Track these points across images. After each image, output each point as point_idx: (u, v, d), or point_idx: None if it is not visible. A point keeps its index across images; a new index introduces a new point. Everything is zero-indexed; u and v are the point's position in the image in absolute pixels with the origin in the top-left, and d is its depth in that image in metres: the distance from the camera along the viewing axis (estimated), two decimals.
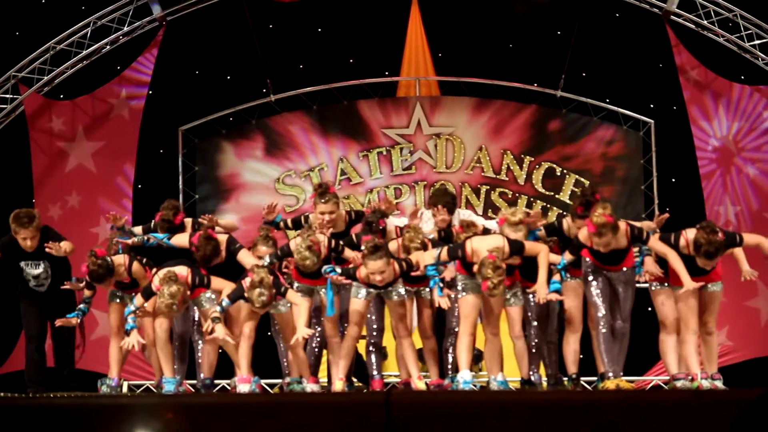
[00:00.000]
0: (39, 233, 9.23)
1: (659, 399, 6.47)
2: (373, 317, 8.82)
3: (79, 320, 8.92)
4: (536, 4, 13.51)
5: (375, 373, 8.90)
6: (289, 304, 8.33)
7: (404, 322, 8.54)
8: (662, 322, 8.46)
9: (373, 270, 8.19)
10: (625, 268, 8.42)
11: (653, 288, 8.51)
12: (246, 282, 8.16)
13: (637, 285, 8.60)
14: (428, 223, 9.39)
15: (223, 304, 8.15)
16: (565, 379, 8.85)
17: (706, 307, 8.43)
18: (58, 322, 8.95)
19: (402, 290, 8.49)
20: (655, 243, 8.29)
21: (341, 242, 8.73)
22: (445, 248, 8.29)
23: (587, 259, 8.36)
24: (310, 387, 8.39)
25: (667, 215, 8.81)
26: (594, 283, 8.38)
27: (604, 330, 8.36)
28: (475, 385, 8.35)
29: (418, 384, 8.45)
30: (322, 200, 8.90)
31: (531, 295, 8.73)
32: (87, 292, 8.88)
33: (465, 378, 8.15)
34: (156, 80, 13.43)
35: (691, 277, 8.21)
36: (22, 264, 9.35)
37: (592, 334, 8.75)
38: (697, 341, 8.43)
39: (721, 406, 6.06)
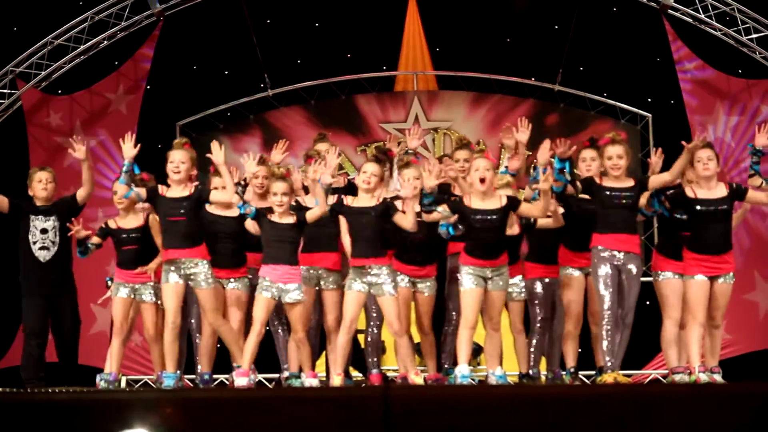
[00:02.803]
0: (55, 184, 9.58)
1: (659, 393, 6.48)
2: (373, 308, 8.77)
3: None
4: None
5: (373, 367, 8.90)
6: (301, 295, 8.30)
7: (398, 319, 8.38)
8: (667, 314, 8.36)
9: (367, 170, 8.25)
10: (632, 252, 8.21)
11: (660, 279, 8.42)
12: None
13: (642, 279, 8.49)
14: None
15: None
16: (564, 373, 8.85)
17: (716, 299, 8.34)
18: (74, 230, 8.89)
19: (392, 289, 8.34)
20: (655, 178, 8.38)
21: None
22: (444, 204, 8.23)
23: (599, 246, 8.24)
24: (308, 381, 8.38)
25: (662, 154, 8.82)
26: (601, 271, 8.18)
27: (608, 322, 8.14)
28: (473, 380, 8.34)
29: (416, 380, 8.41)
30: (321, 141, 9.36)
31: (538, 285, 8.70)
32: (96, 240, 8.90)
33: (463, 372, 8.13)
34: (153, 75, 13.44)
35: (703, 255, 8.18)
36: (32, 217, 9.39)
37: (592, 329, 8.72)
38: (703, 333, 8.35)
39: (720, 400, 6.07)
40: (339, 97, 13.79)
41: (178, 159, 8.44)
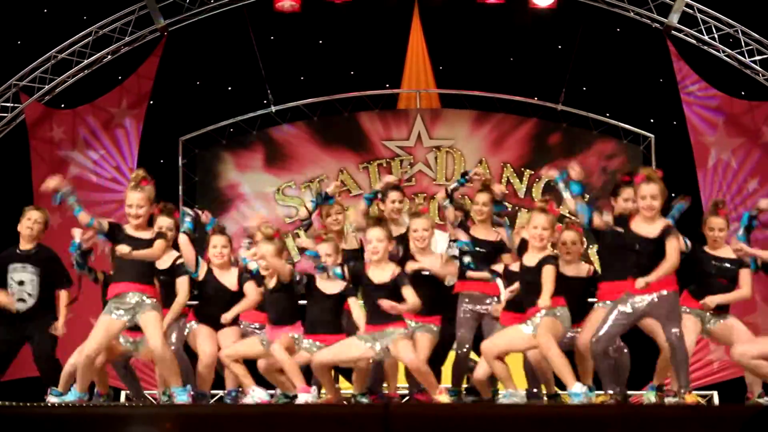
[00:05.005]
0: (44, 227, 8.85)
1: (656, 413, 6.49)
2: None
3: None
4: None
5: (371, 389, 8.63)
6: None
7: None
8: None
9: (371, 238, 7.84)
10: (655, 295, 7.58)
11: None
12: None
13: None
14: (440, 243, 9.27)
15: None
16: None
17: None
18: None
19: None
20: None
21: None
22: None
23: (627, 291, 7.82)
24: (302, 396, 8.07)
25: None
26: (621, 305, 7.62)
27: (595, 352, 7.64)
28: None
29: (440, 398, 7.98)
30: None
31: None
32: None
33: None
34: (157, 90, 13.44)
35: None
36: (10, 268, 8.79)
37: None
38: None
39: (718, 421, 6.07)
40: (342, 114, 13.80)
41: (136, 202, 7.79)
